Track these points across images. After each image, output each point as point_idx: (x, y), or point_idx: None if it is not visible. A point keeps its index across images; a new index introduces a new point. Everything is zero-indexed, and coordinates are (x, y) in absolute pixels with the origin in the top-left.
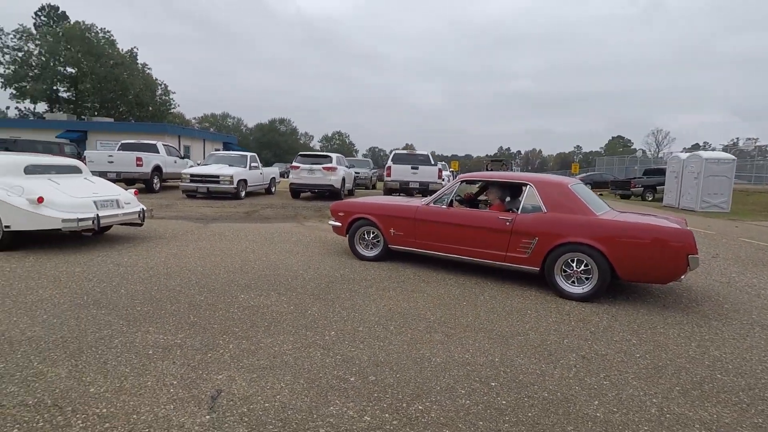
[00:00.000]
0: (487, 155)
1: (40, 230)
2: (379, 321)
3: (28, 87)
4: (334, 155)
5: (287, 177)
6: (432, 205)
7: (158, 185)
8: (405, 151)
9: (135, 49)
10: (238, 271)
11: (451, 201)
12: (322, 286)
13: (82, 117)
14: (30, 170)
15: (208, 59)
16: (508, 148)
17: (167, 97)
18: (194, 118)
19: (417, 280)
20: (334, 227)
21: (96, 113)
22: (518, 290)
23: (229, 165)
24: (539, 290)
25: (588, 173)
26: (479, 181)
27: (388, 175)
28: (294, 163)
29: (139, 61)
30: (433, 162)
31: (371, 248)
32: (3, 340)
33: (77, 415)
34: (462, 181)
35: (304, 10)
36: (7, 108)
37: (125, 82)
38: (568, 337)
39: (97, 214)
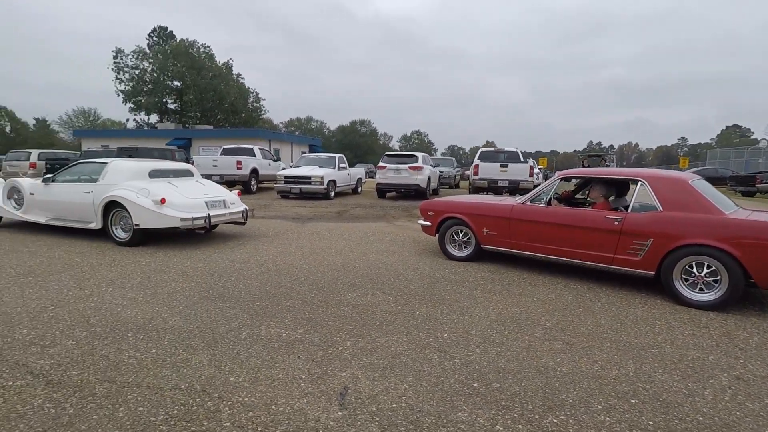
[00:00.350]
0: (575, 150)
1: (161, 228)
2: (491, 325)
3: (143, 101)
4: (419, 154)
5: (370, 177)
6: (528, 203)
7: (255, 187)
8: (492, 149)
9: (230, 61)
10: (341, 270)
11: (549, 199)
12: (425, 287)
13: (187, 125)
14: (153, 174)
15: (293, 65)
16: (599, 142)
17: (258, 104)
18: (281, 123)
19: (522, 283)
20: (423, 227)
21: (197, 122)
22: (639, 297)
23: (320, 166)
24: (665, 298)
25: (700, 168)
26: (579, 178)
27: (476, 173)
28: (380, 164)
29: (233, 72)
30: (522, 159)
31: (462, 248)
32: (151, 328)
33: (223, 402)
34: (561, 179)
35: (382, 12)
36: (127, 120)
37: (222, 91)
38: (713, 354)
39: (209, 214)
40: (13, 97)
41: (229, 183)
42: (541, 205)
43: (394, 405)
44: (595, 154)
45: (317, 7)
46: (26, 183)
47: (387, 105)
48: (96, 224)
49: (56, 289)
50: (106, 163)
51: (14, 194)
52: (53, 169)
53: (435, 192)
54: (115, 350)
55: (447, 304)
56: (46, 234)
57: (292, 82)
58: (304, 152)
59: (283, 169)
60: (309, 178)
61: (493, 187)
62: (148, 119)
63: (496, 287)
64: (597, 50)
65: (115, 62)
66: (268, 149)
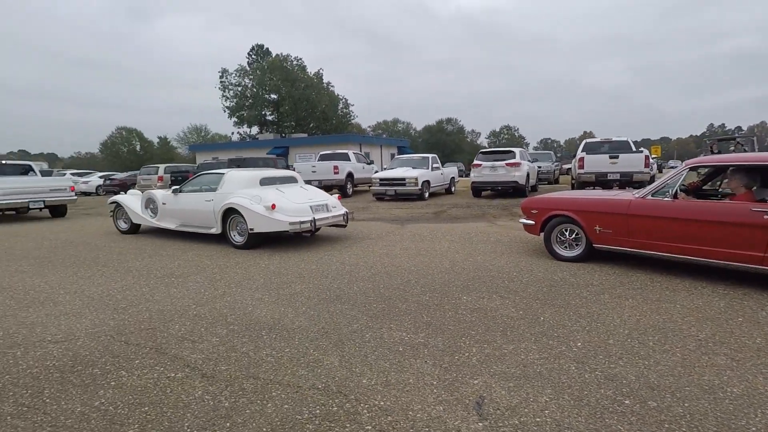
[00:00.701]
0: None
1: (272, 232)
2: (630, 334)
3: (245, 115)
4: (517, 150)
5: (463, 177)
6: (650, 197)
7: (351, 190)
8: (597, 139)
9: (321, 71)
10: (450, 272)
11: (676, 192)
12: (544, 290)
13: (283, 135)
14: (263, 182)
15: (378, 69)
16: (722, 124)
17: (347, 110)
18: (368, 127)
19: (658, 287)
20: (526, 226)
21: (293, 131)
22: None
23: (413, 167)
24: None
25: None
26: (711, 166)
27: (581, 167)
28: (475, 161)
29: (324, 81)
30: (634, 148)
31: (571, 248)
32: (281, 328)
33: (361, 405)
34: (689, 168)
35: (464, 6)
36: (232, 133)
37: (314, 100)
38: None
39: (314, 218)
40: (141, 119)
41: (326, 187)
42: (666, 198)
43: (538, 419)
44: (726, 138)
45: (399, 9)
46: (159, 194)
47: (473, 101)
48: (216, 229)
49: (195, 289)
50: (223, 173)
51: (150, 204)
52: (177, 180)
53: (534, 189)
54: (253, 348)
55: (573, 309)
56: (176, 239)
57: (378, 85)
58: (393, 154)
59: (377, 172)
60: (403, 179)
61: (601, 181)
62: (250, 131)
63: (627, 291)
64: (712, 20)
65: (221, 81)
66: (361, 153)
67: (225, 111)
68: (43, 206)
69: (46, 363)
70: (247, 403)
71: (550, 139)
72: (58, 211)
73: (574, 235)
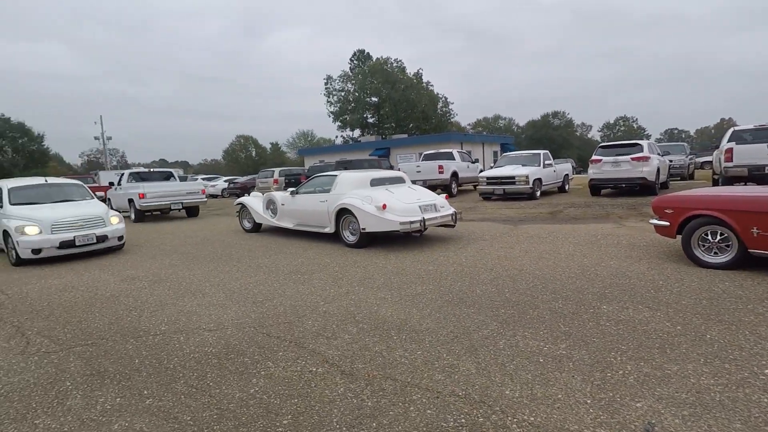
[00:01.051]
0: None
1: (382, 232)
2: None
3: (348, 118)
4: (644, 142)
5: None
6: None
7: (456, 189)
8: (751, 126)
9: (420, 71)
10: (581, 277)
11: None
12: (703, 303)
13: (384, 137)
14: (373, 183)
15: (476, 66)
16: None
17: (447, 108)
18: (468, 125)
19: None
20: (658, 227)
21: (393, 132)
22: None
23: (523, 165)
24: None
25: None
26: None
27: (728, 159)
28: (594, 156)
29: (423, 81)
30: None
31: (718, 253)
32: (409, 329)
33: (509, 418)
34: None
35: None
36: (336, 137)
37: (413, 101)
38: None
39: (423, 218)
40: (255, 127)
41: (431, 187)
42: None
43: None
44: None
45: (497, 1)
46: (279, 196)
47: (582, 92)
48: (330, 229)
49: (320, 287)
50: (335, 175)
51: (271, 205)
52: (290, 182)
53: (664, 185)
54: (386, 348)
55: (748, 327)
56: (294, 237)
57: (477, 82)
58: (496, 152)
59: (481, 170)
60: (513, 177)
61: (757, 175)
62: (352, 134)
63: None
64: None
65: (326, 87)
66: (465, 152)
67: (329, 116)
68: (181, 207)
69: (205, 349)
70: (389, 404)
71: (676, 129)
72: (192, 211)
73: (721, 238)
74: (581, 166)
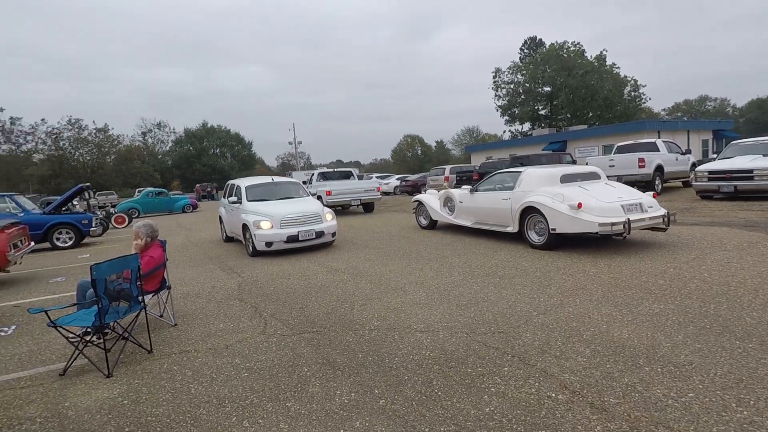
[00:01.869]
0: None
1: (576, 233)
2: None
3: (516, 112)
4: None
5: None
6: None
7: (659, 186)
8: None
9: (603, 52)
10: None
11: None
12: None
13: (558, 129)
14: (564, 179)
15: (671, 39)
16: None
17: (636, 93)
18: (663, 110)
19: None
20: None
21: (567, 124)
22: None
23: (764, 155)
24: None
25: None
26: None
27: None
28: None
29: (606, 64)
30: None
31: None
32: (663, 359)
33: None
34: None
35: None
36: (503, 132)
37: (594, 87)
38: None
39: (628, 219)
40: (420, 126)
41: (627, 183)
42: None
43: None
44: None
45: None
46: (457, 193)
47: None
48: (512, 228)
49: (526, 293)
50: (520, 171)
51: (448, 203)
52: (462, 180)
53: None
54: (638, 381)
55: None
56: (473, 236)
57: (672, 60)
58: (706, 140)
59: (695, 164)
60: (750, 171)
61: None
62: (522, 128)
63: None
64: None
65: (494, 81)
66: (673, 142)
67: (497, 110)
68: (359, 203)
69: (422, 352)
70: None
71: None
72: (368, 207)
73: None
74: None
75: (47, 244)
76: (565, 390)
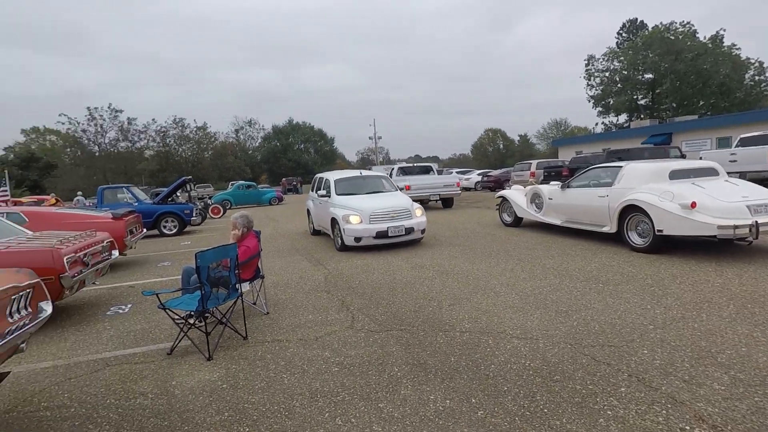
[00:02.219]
0: None
1: (688, 236)
2: None
3: (611, 102)
4: None
5: None
6: None
7: None
8: None
9: (720, 32)
10: None
11: None
12: None
13: (661, 120)
14: (674, 176)
15: None
16: None
17: (762, 77)
18: None
19: None
20: None
21: (674, 114)
22: None
23: None
24: None
25: None
26: None
27: None
28: None
29: (724, 45)
30: None
31: None
32: None
33: None
34: None
35: None
36: (595, 125)
37: (706, 72)
38: None
39: (756, 222)
40: (503, 120)
41: (753, 181)
42: None
43: None
44: None
45: None
46: (545, 189)
47: None
48: (610, 228)
49: (637, 303)
50: (620, 166)
51: (536, 199)
52: (550, 176)
53: None
54: None
55: None
56: (565, 235)
57: None
58: None
59: None
60: None
61: None
62: (617, 120)
63: None
64: None
65: (586, 70)
66: None
67: (589, 101)
68: (438, 198)
69: (522, 362)
70: None
71: None
72: (447, 202)
73: None
74: None
75: (156, 231)
76: (702, 423)
